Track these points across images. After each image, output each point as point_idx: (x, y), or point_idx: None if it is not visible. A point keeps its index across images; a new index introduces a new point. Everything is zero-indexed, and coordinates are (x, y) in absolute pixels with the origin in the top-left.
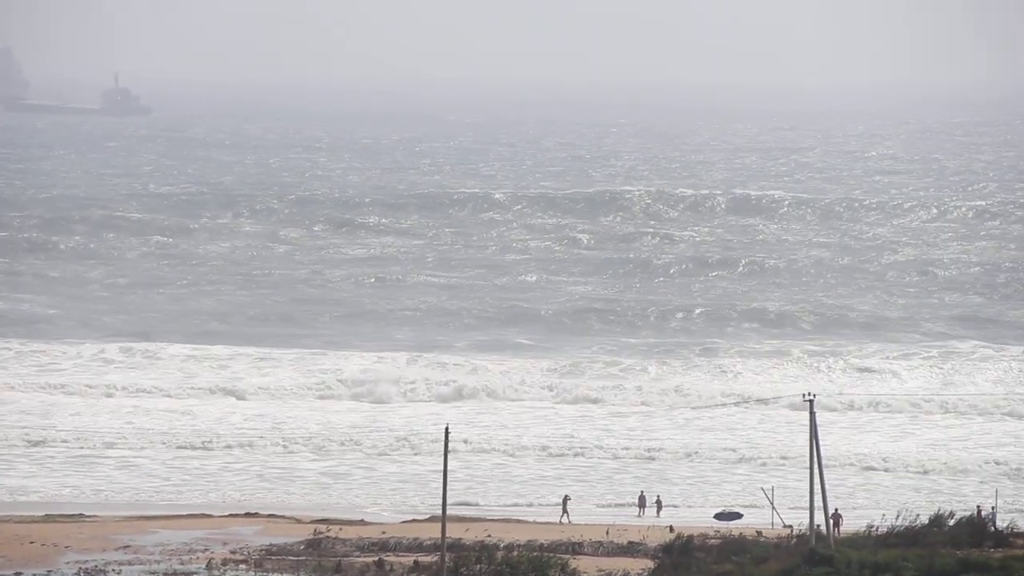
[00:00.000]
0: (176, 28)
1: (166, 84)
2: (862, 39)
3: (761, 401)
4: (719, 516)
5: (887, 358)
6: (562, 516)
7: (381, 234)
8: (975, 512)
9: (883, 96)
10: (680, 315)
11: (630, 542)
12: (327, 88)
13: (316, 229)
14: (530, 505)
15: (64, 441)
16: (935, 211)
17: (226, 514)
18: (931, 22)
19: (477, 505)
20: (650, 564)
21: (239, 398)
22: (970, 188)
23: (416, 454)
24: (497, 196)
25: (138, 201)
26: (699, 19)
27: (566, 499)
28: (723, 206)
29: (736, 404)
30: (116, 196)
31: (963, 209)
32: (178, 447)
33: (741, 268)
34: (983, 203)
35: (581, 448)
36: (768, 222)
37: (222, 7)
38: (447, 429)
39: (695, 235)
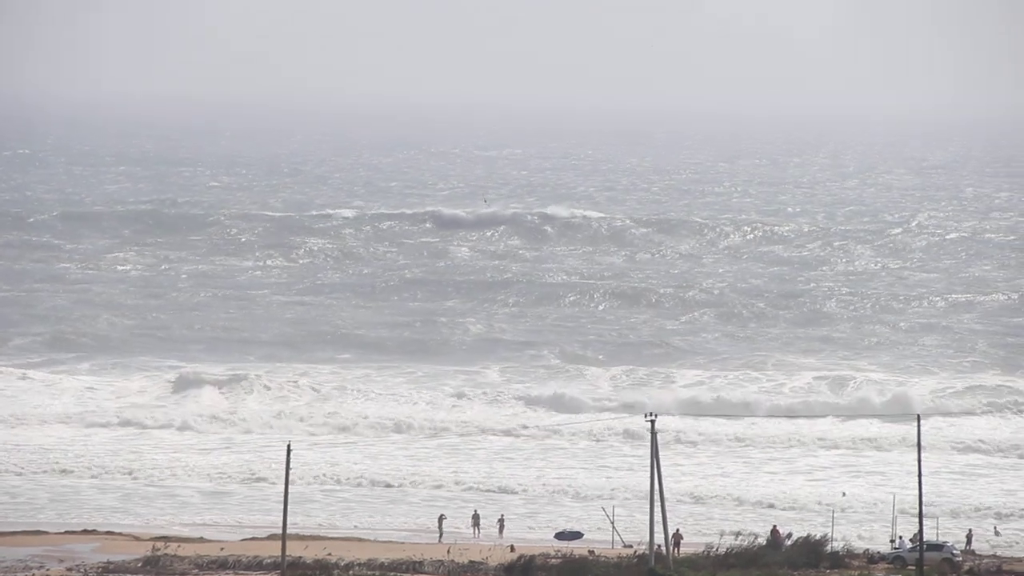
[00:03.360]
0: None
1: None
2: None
3: (598, 423)
4: (560, 536)
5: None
6: (440, 536)
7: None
8: (770, 533)
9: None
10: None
11: (471, 561)
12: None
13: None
14: (371, 527)
15: None
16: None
17: (62, 531)
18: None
19: (295, 526)
20: None
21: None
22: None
23: (257, 480)
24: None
25: None
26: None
27: (441, 518)
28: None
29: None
30: None
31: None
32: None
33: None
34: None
35: (411, 475)
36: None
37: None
38: (288, 447)
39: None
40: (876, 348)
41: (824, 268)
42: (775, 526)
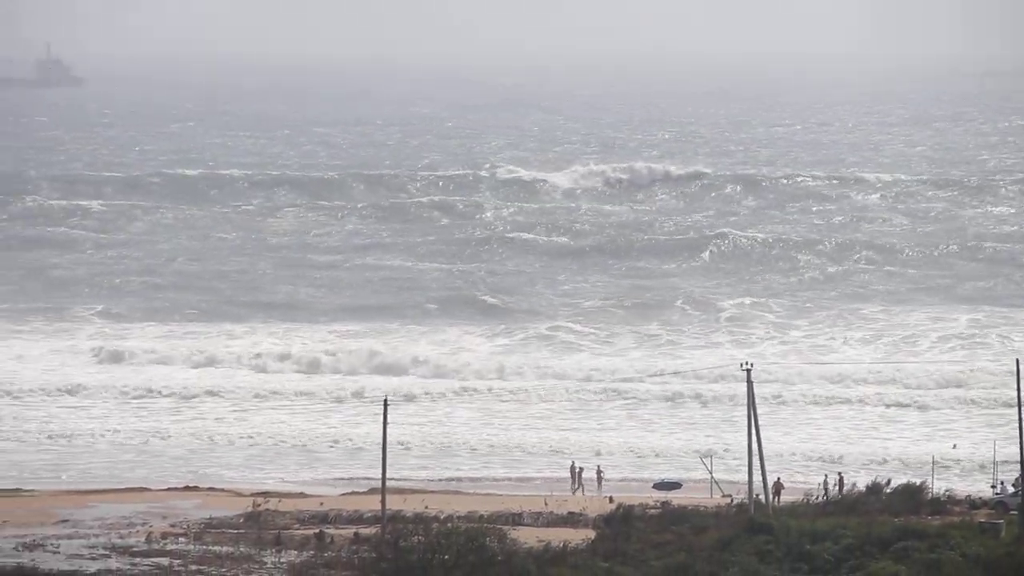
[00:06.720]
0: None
1: (104, 55)
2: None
3: (695, 375)
4: (658, 486)
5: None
6: (576, 486)
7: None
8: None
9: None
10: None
11: (570, 512)
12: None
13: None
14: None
15: None
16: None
17: (165, 488)
18: None
19: (409, 480)
20: (591, 534)
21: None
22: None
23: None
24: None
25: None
26: None
27: (574, 469)
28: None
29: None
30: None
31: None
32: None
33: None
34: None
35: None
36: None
37: None
38: (386, 401)
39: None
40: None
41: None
42: (840, 474)
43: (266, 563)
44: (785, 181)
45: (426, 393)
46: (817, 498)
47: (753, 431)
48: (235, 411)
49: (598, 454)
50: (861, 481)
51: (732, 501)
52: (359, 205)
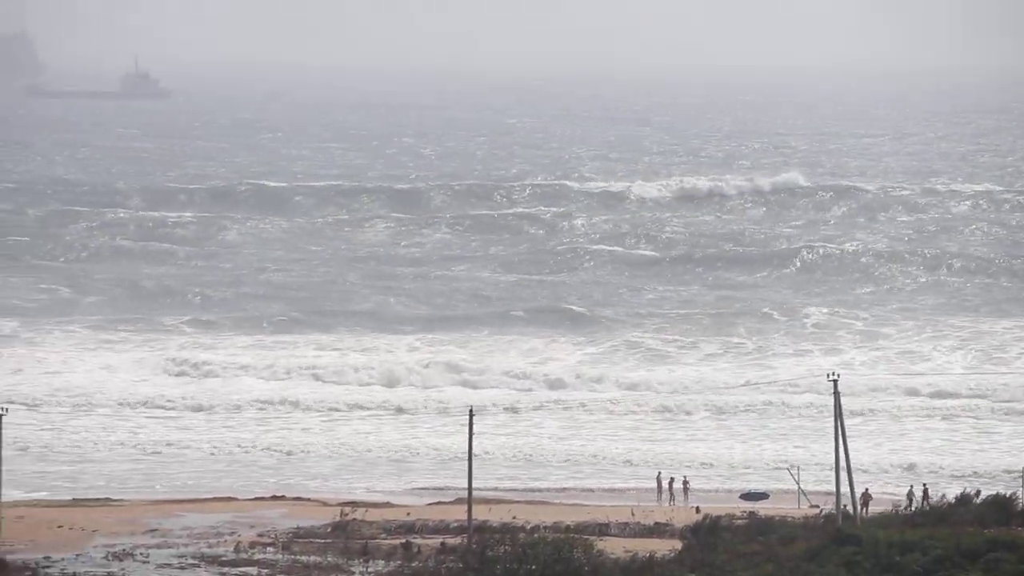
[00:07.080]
0: (200, 8)
1: (188, 66)
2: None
3: (779, 383)
4: (745, 496)
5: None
6: (667, 498)
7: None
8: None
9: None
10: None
11: (656, 523)
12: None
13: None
14: (557, 489)
15: (88, 430)
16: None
17: (252, 497)
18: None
19: (495, 490)
20: (677, 544)
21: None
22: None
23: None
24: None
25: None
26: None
27: (665, 479)
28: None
29: (755, 385)
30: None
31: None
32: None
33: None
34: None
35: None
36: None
37: None
38: (471, 411)
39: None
40: None
41: None
42: (925, 485)
43: (354, 573)
44: (875, 191)
45: (513, 403)
46: (905, 509)
47: (840, 441)
48: (323, 420)
49: (682, 465)
50: (951, 492)
51: (820, 512)
52: (447, 216)
